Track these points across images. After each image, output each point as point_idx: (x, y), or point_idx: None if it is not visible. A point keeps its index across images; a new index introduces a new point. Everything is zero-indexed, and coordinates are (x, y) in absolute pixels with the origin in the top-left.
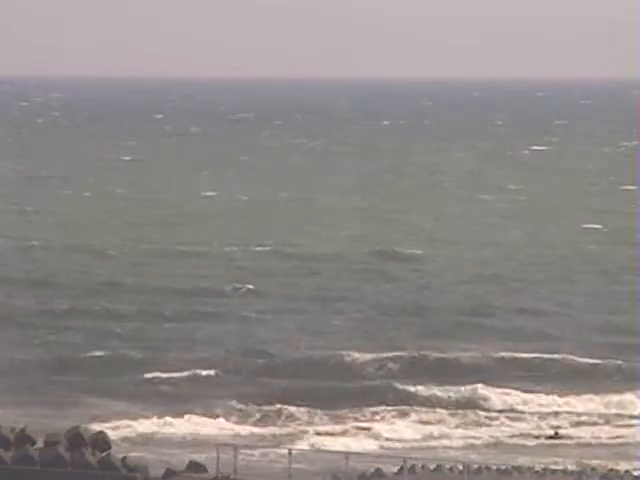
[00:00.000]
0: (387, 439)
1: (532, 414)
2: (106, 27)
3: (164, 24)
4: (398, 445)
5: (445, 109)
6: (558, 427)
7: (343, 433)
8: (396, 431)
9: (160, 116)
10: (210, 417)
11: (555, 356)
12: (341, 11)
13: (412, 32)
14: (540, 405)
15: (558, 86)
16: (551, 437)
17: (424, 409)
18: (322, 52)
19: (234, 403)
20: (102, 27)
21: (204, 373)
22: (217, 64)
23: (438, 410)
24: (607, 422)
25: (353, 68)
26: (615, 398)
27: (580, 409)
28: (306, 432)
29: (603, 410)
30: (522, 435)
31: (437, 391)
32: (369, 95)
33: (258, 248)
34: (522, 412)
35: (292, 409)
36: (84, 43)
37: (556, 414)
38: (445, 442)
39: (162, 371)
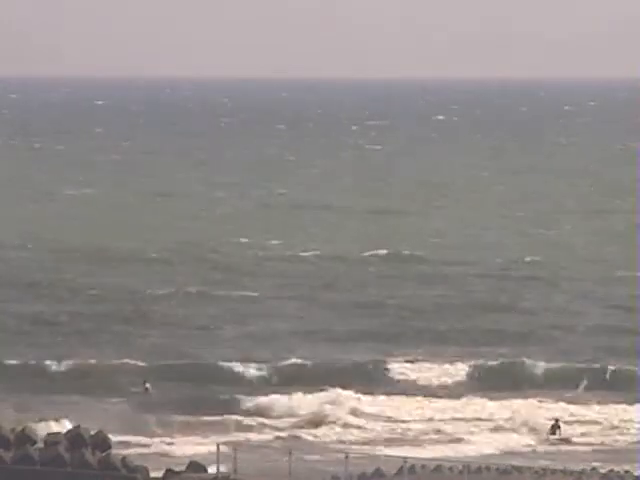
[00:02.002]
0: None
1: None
2: (106, 27)
3: (164, 24)
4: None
5: (446, 110)
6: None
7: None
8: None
9: (159, 116)
10: (209, 421)
11: (557, 360)
12: (341, 11)
13: (413, 32)
14: (545, 411)
15: (559, 86)
16: (552, 428)
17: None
18: (322, 52)
19: (234, 408)
20: (102, 27)
21: (198, 379)
22: (217, 64)
23: (441, 417)
24: (607, 427)
25: (353, 68)
26: (615, 405)
27: (579, 414)
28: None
29: (604, 415)
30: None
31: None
32: (369, 95)
33: (259, 251)
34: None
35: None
36: (85, 43)
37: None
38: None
39: (156, 378)
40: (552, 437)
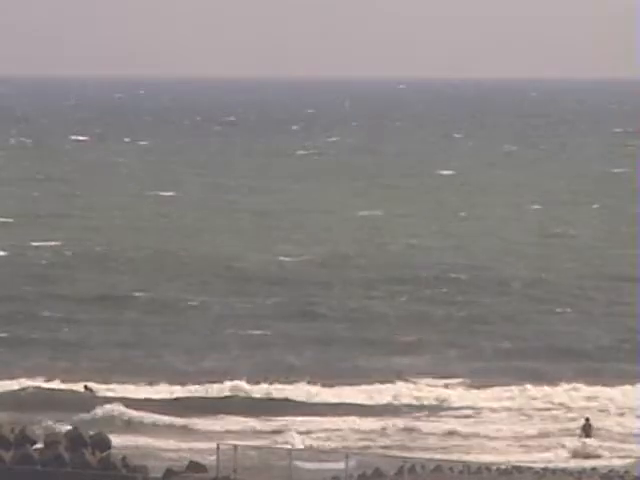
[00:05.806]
0: None
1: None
2: (108, 28)
3: (165, 24)
4: None
5: (447, 110)
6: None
7: None
8: None
9: (159, 117)
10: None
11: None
12: (341, 11)
13: (411, 32)
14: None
15: (560, 86)
16: (584, 428)
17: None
18: (322, 52)
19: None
20: (103, 28)
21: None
22: (217, 64)
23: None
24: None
25: (353, 68)
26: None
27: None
28: None
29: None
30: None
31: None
32: (369, 95)
33: (260, 254)
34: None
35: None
36: (86, 43)
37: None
38: None
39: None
40: (587, 439)
